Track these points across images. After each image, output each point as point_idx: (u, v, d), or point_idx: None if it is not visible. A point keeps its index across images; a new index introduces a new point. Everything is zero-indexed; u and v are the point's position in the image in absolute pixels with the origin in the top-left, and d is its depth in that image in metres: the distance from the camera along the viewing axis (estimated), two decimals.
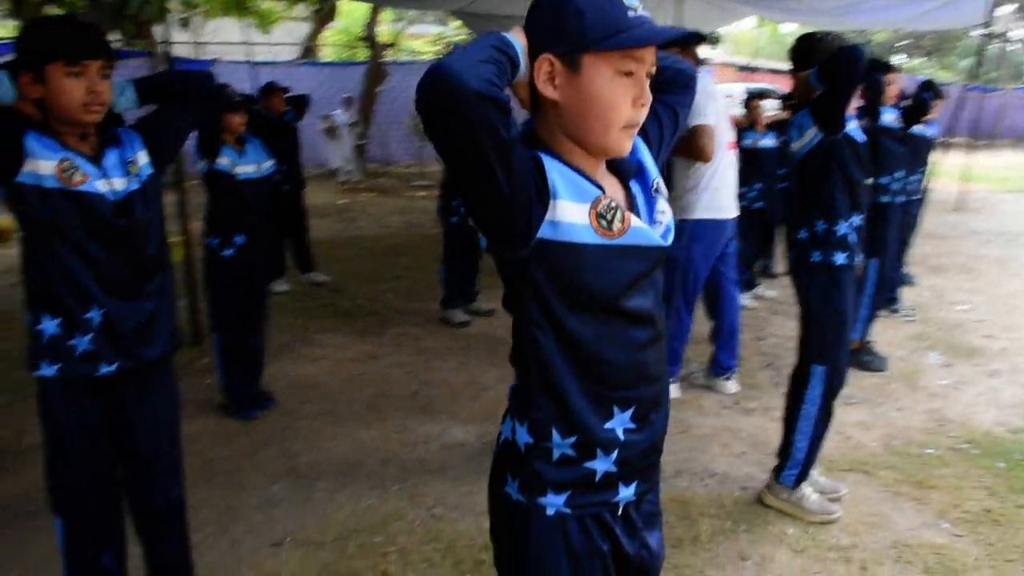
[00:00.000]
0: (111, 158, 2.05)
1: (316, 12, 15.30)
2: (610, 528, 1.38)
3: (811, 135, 2.84)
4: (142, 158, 2.13)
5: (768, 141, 6.20)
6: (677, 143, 4.35)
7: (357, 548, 2.90)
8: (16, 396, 4.23)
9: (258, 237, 4.15)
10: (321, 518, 3.13)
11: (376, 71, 13.44)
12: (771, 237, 6.73)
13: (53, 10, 12.29)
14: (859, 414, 4.12)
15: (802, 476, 3.04)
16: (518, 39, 1.22)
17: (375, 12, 13.72)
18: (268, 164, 4.22)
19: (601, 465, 1.33)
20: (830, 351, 2.95)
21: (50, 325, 1.99)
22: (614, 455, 1.33)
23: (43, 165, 1.93)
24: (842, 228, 2.88)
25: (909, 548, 2.87)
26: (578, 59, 1.21)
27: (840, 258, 2.89)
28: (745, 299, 6.15)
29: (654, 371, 1.36)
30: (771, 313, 5.98)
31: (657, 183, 1.39)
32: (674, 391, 4.30)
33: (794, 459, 3.04)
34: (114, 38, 12.80)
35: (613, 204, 1.25)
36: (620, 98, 1.23)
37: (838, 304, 2.91)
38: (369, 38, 13.76)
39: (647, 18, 1.22)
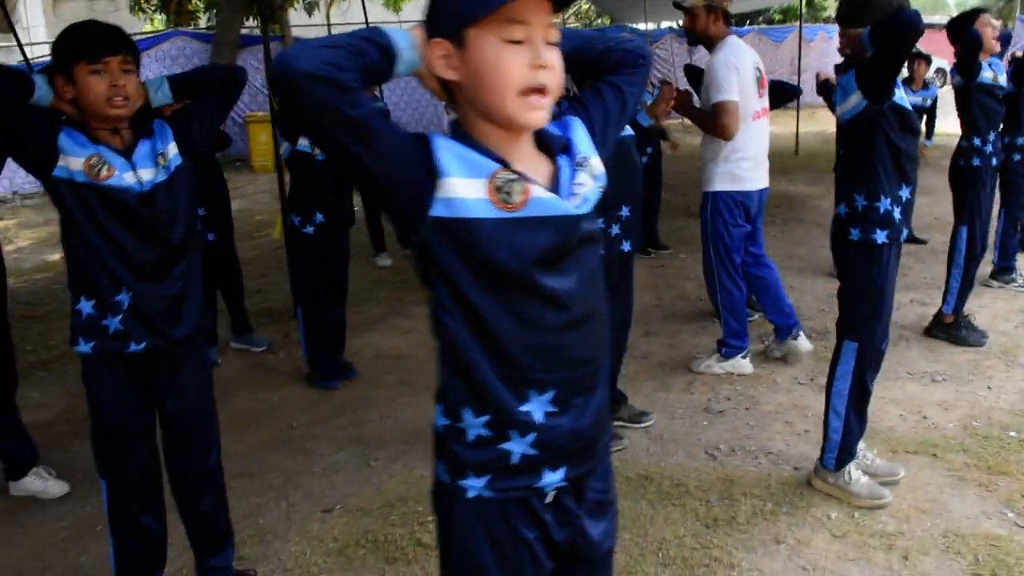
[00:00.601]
0: (142, 150, 2.22)
1: None
2: (539, 516, 1.37)
3: (855, 100, 2.68)
4: (172, 150, 2.29)
5: None
6: (702, 120, 4.20)
7: (400, 516, 3.02)
8: None
9: (337, 216, 4.35)
10: (374, 486, 3.29)
11: None
12: None
13: (193, 3, 13.20)
14: (943, 392, 3.87)
15: (843, 457, 2.91)
16: (410, 33, 1.25)
17: None
18: None
19: (517, 447, 1.31)
20: (863, 327, 2.81)
21: (86, 306, 2.19)
22: (531, 438, 1.31)
23: (73, 161, 2.12)
24: (884, 204, 2.71)
25: (960, 538, 2.70)
26: (463, 36, 1.23)
27: (881, 236, 2.73)
28: None
29: (578, 354, 1.33)
30: None
31: (582, 158, 1.37)
32: (746, 367, 4.19)
33: (831, 440, 2.92)
34: (250, 24, 13.54)
35: (512, 177, 1.24)
36: (508, 63, 1.22)
37: (877, 280, 2.76)
38: None
39: None
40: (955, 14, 4.79)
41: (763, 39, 17.57)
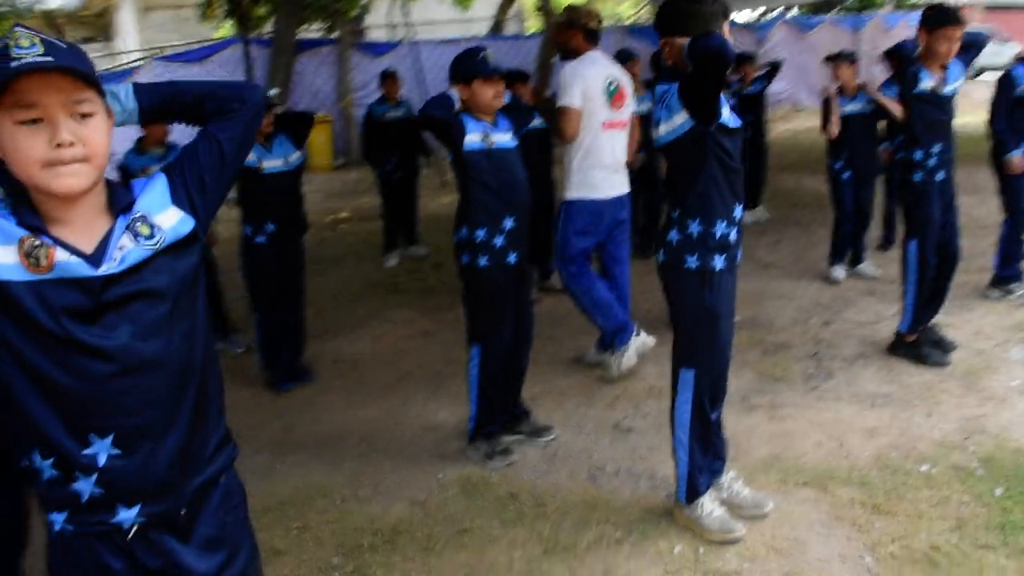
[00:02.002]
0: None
1: None
2: (124, 547, 1.44)
3: (681, 120, 2.52)
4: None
5: (856, 106, 5.48)
6: (551, 122, 4.33)
7: (270, 520, 3.08)
8: None
9: (288, 224, 4.45)
10: (266, 489, 3.35)
11: (550, 42, 13.36)
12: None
13: (259, 9, 13.69)
14: (876, 418, 3.60)
15: (692, 490, 2.75)
16: None
17: None
18: (295, 157, 4.48)
19: (85, 487, 1.38)
20: (699, 354, 2.65)
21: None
22: (94, 478, 1.38)
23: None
24: (720, 228, 2.55)
25: None
26: None
27: (719, 262, 2.57)
28: (839, 272, 5.60)
29: (132, 403, 1.38)
30: (860, 294, 5.33)
31: (139, 216, 1.40)
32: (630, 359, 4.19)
33: (679, 472, 2.77)
34: (313, 27, 13.95)
35: (37, 243, 1.31)
36: (24, 145, 1.28)
37: (712, 305, 2.59)
38: (544, 7, 13.68)
39: (21, 63, 1.24)
40: None
41: (838, 28, 16.82)
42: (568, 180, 4.19)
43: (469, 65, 3.18)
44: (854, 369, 4.13)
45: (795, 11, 18.77)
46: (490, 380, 3.37)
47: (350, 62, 13.71)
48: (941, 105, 3.91)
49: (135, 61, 14.15)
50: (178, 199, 1.47)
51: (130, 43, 18.65)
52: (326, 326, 5.48)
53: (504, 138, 3.28)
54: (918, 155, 3.89)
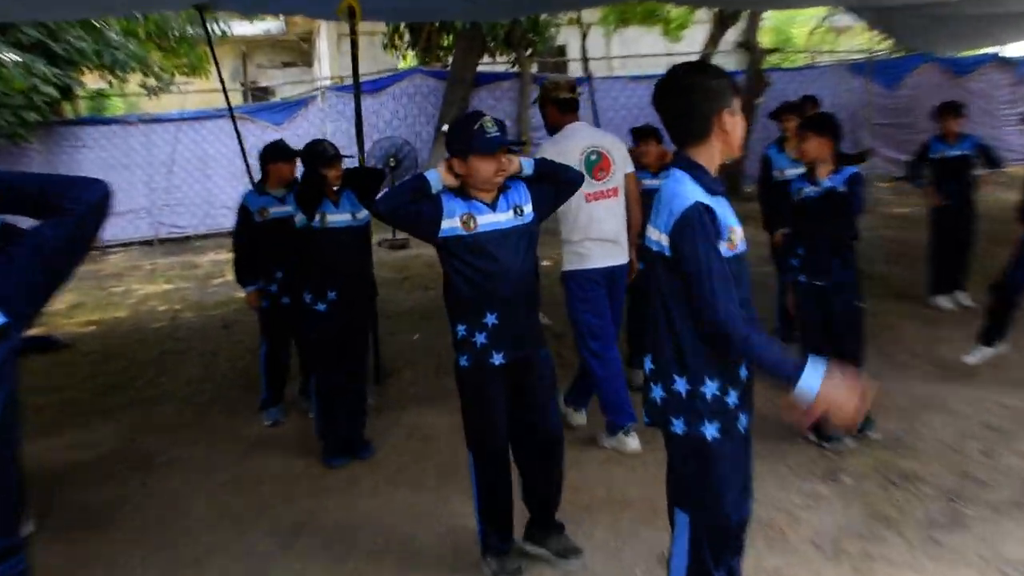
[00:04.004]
0: None
1: (716, 16, 15.23)
2: None
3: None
4: None
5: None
6: None
7: None
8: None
9: (354, 289, 4.67)
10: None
11: (756, 79, 13.04)
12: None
13: (444, 39, 14.46)
14: None
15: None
16: None
17: (754, 15, 13.32)
18: (364, 212, 4.68)
19: None
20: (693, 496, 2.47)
21: None
22: None
23: None
24: (711, 387, 2.38)
25: None
26: None
27: (711, 429, 2.38)
28: None
29: None
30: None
31: None
32: (630, 443, 4.53)
33: None
34: (487, 62, 14.50)
35: None
36: None
37: (708, 476, 2.42)
38: (748, 43, 13.40)
39: None
40: None
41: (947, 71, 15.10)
42: (563, 252, 4.57)
43: (464, 135, 3.10)
44: (999, 523, 3.61)
45: None
46: (489, 492, 3.31)
47: (530, 97, 14.10)
48: None
49: (311, 91, 15.47)
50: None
51: (326, 70, 20.34)
52: (419, 392, 5.65)
53: (501, 219, 3.17)
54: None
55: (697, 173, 2.32)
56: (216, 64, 7.80)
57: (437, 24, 13.98)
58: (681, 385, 2.35)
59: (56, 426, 5.60)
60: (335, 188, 4.60)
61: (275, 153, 5.28)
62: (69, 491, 4.54)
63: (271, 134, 13.35)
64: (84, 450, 5.16)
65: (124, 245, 13.70)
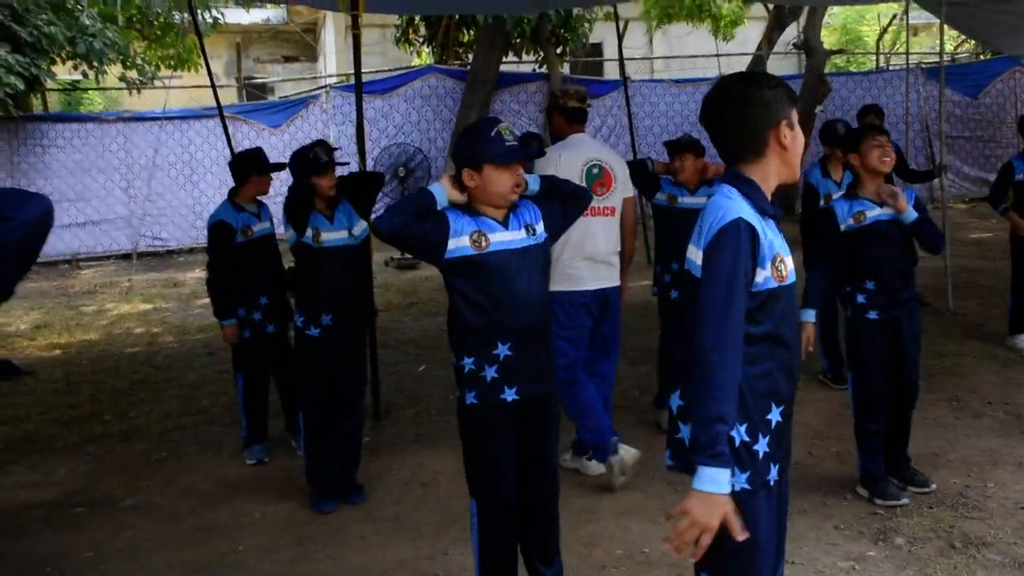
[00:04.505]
0: None
1: (773, 12, 15.26)
2: None
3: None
4: None
5: None
6: None
7: None
8: None
9: (350, 313, 4.75)
10: None
11: (816, 85, 13.06)
12: None
13: (464, 34, 14.62)
14: None
15: None
16: None
17: (815, 12, 13.34)
18: (360, 229, 4.73)
19: None
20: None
21: None
22: None
23: None
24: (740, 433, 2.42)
25: None
26: None
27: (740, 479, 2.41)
28: None
29: None
30: None
31: None
32: (592, 467, 4.94)
33: None
34: (522, 59, 14.62)
35: None
36: None
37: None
38: (807, 44, 13.43)
39: None
40: None
41: None
42: (551, 271, 4.34)
43: (479, 143, 3.14)
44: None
45: None
46: (493, 546, 3.34)
47: None
48: None
49: (314, 90, 15.65)
50: None
51: (332, 66, 20.60)
52: (422, 431, 5.74)
53: (514, 237, 3.22)
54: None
55: (748, 189, 2.35)
56: (205, 57, 7.95)
57: (456, 18, 14.17)
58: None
59: (7, 463, 5.70)
60: (329, 199, 4.67)
61: (261, 164, 5.37)
62: (16, 539, 4.61)
63: (267, 138, 13.56)
64: (38, 491, 5.24)
65: (99, 259, 13.87)
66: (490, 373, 3.20)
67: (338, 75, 17.76)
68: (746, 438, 2.34)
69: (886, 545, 4.05)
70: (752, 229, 2.26)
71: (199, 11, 14.86)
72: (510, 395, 3.22)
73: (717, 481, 2.14)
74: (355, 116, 6.19)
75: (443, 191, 3.17)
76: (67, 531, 4.69)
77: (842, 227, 4.43)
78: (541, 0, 10.19)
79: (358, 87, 6.26)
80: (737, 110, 2.37)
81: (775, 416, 2.38)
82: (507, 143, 3.12)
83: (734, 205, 2.30)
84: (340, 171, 4.78)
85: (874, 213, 4.39)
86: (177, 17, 14.64)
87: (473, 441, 3.33)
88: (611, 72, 17.59)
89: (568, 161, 4.63)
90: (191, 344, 8.77)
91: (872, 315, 4.45)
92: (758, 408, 2.35)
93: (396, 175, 12.19)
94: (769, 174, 2.39)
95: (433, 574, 4.00)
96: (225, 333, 5.37)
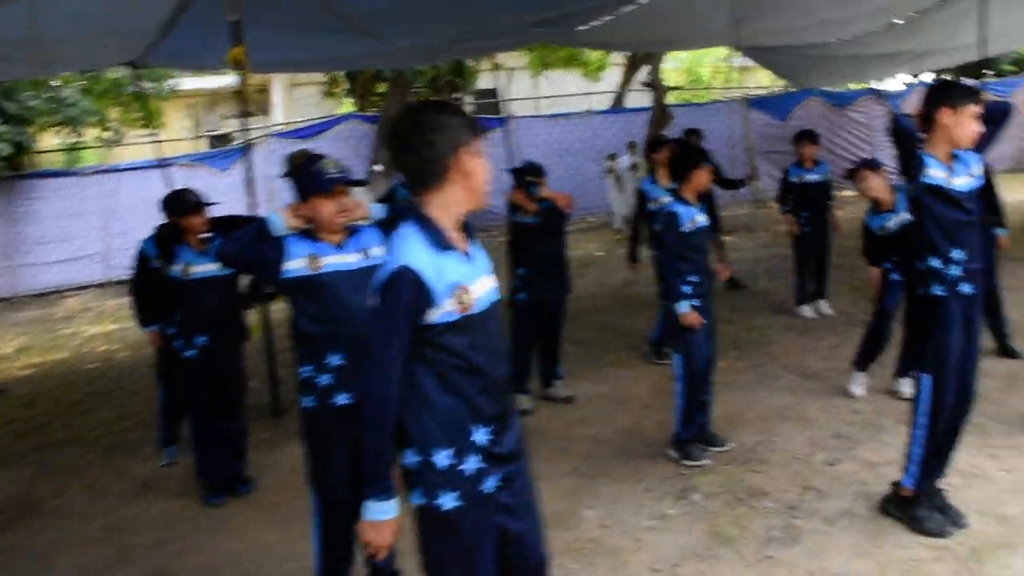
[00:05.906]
0: None
1: (629, 58, 15.36)
2: None
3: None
4: None
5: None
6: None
7: None
8: None
9: (224, 335, 4.35)
10: None
11: (660, 114, 12.97)
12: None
13: (380, 87, 14.18)
14: None
15: None
16: None
17: (655, 57, 13.33)
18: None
19: None
20: None
21: None
22: None
23: None
24: None
25: None
26: None
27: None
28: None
29: None
30: (896, 423, 4.41)
31: None
32: None
33: None
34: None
35: None
36: None
37: None
38: (652, 82, 13.41)
39: None
40: None
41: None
42: None
43: (302, 180, 2.91)
44: (830, 533, 3.36)
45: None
46: (329, 529, 3.02)
47: None
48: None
49: (257, 138, 15.08)
50: None
51: (279, 118, 20.01)
52: None
53: (348, 260, 2.92)
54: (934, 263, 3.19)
55: (424, 225, 1.98)
56: (152, 120, 7.51)
57: (373, 72, 13.73)
58: (411, 457, 2.01)
59: None
60: (201, 236, 4.24)
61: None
62: None
63: (218, 179, 13.01)
64: None
65: (80, 288, 13.15)
66: (324, 380, 2.91)
67: (284, 123, 17.24)
68: (453, 460, 1.98)
69: (686, 503, 3.77)
70: (416, 277, 1.90)
71: (160, 81, 14.75)
72: (342, 400, 2.92)
73: (388, 510, 1.98)
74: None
75: (280, 219, 2.89)
76: None
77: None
78: (429, 54, 9.75)
79: (248, 142, 5.79)
80: (420, 136, 1.98)
81: (481, 436, 2.00)
82: (325, 175, 2.85)
83: (404, 249, 1.94)
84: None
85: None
86: (145, 86, 14.12)
87: (310, 441, 3.01)
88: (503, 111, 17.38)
89: None
90: (140, 357, 8.16)
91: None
92: (461, 432, 1.99)
93: None
94: (451, 202, 2.01)
95: (294, 555, 3.60)
96: (148, 339, 5.08)
